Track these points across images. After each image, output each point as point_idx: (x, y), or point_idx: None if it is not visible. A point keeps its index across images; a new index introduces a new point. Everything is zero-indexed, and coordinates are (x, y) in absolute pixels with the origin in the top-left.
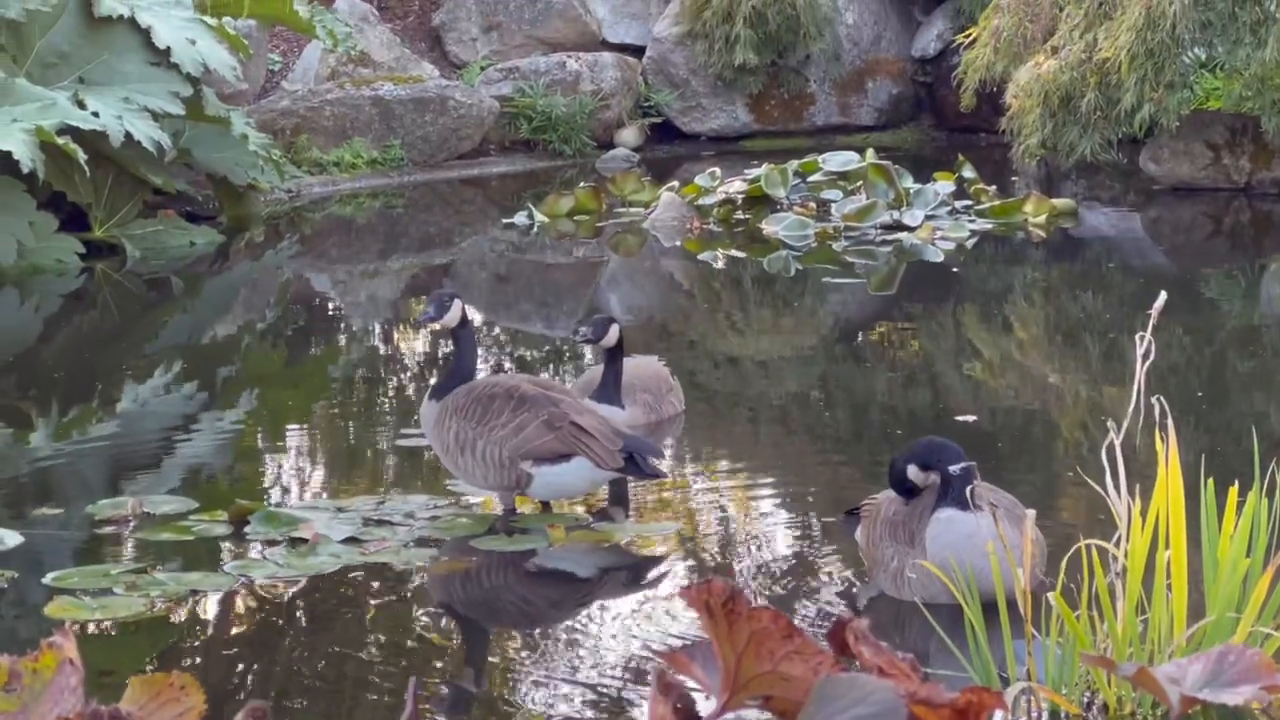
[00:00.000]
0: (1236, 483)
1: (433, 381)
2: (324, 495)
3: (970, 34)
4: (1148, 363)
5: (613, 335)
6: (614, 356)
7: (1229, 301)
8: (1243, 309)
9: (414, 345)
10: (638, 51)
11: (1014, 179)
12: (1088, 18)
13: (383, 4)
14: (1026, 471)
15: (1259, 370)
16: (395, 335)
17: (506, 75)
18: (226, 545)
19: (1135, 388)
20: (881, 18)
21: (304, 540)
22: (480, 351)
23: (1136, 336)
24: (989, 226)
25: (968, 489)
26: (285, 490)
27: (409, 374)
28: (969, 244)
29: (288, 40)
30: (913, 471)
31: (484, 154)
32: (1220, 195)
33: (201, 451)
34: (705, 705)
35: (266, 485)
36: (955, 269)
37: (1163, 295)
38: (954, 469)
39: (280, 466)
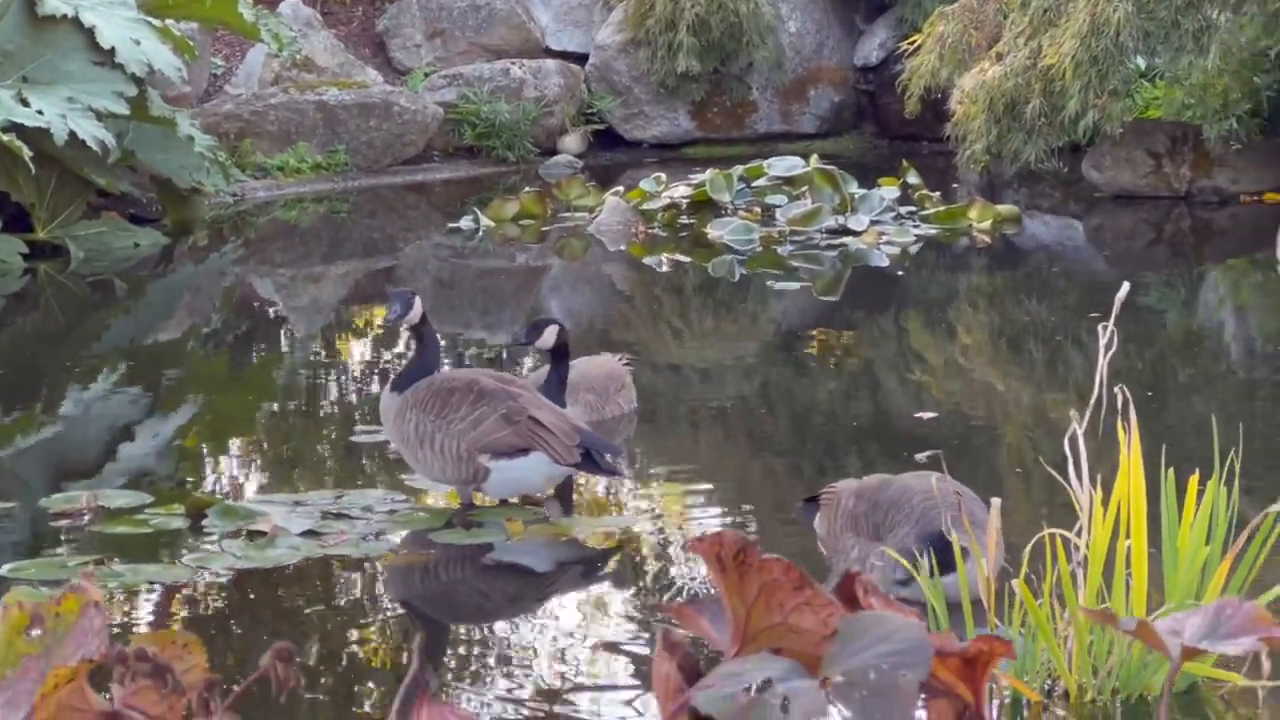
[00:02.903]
0: (1197, 471)
1: (379, 383)
2: (280, 490)
3: (915, 41)
4: (1109, 353)
5: (549, 338)
6: (558, 358)
7: (1169, 308)
8: (1183, 315)
9: (359, 347)
10: (581, 59)
11: (956, 186)
12: (1032, 24)
13: (326, 9)
14: (975, 468)
15: (1201, 374)
16: (340, 338)
17: (450, 82)
18: (184, 538)
19: (1098, 374)
20: (824, 26)
21: (262, 533)
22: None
23: (1100, 327)
24: (934, 232)
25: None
26: (240, 485)
27: (355, 374)
28: (913, 249)
29: (230, 44)
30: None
31: (428, 160)
32: (1161, 203)
33: (151, 449)
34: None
35: (221, 481)
36: (900, 274)
37: (1125, 285)
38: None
39: (233, 462)
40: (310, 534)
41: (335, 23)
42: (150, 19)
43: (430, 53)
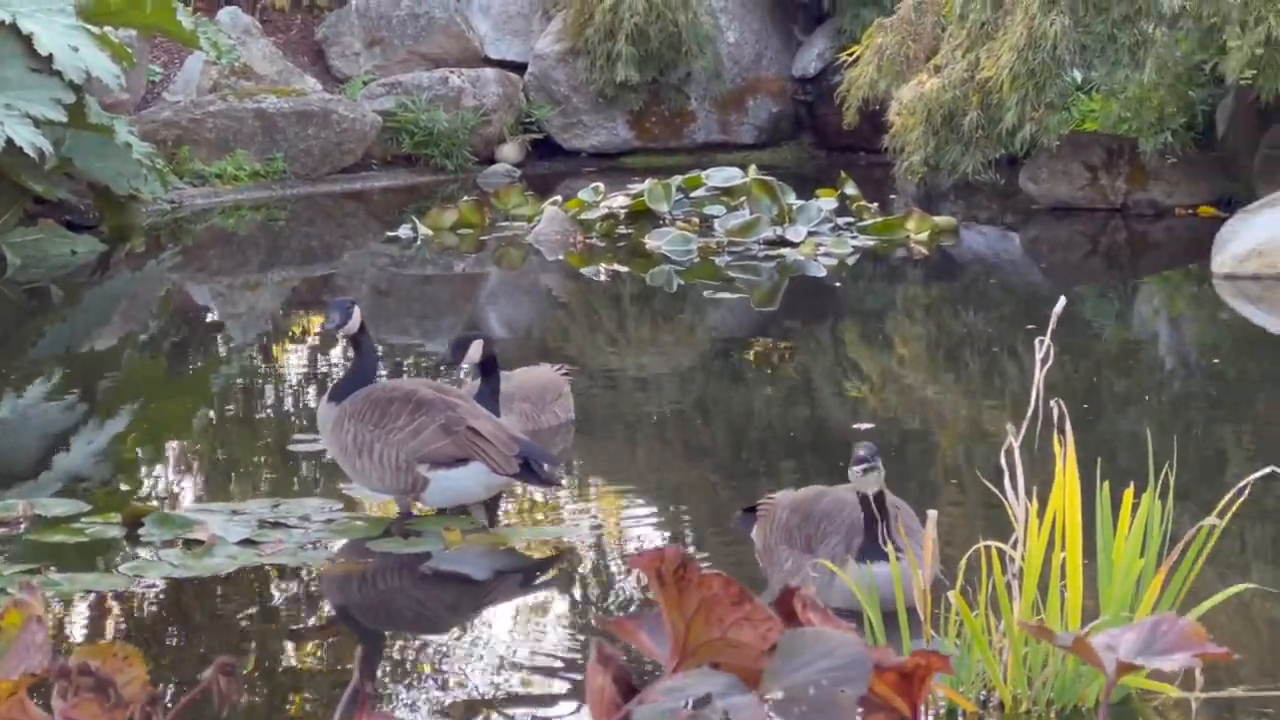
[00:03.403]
0: (1132, 485)
1: (316, 391)
2: (217, 498)
3: (853, 52)
4: (1046, 367)
5: (474, 353)
6: (487, 371)
7: (1105, 320)
8: (1118, 327)
9: (296, 355)
10: (520, 68)
11: (894, 197)
12: (970, 37)
13: (265, 17)
14: (911, 479)
15: (1136, 386)
16: (277, 346)
17: (389, 90)
18: (121, 547)
19: (1035, 388)
20: (763, 36)
21: (199, 542)
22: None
23: (1036, 341)
24: (871, 243)
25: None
26: (177, 494)
27: (292, 382)
28: (851, 260)
29: (169, 51)
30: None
31: (366, 168)
32: (1097, 215)
33: (88, 457)
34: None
35: (158, 489)
36: (837, 284)
37: (1062, 300)
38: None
39: (171, 471)
40: (247, 543)
41: (274, 30)
42: (88, 26)
43: (369, 61)
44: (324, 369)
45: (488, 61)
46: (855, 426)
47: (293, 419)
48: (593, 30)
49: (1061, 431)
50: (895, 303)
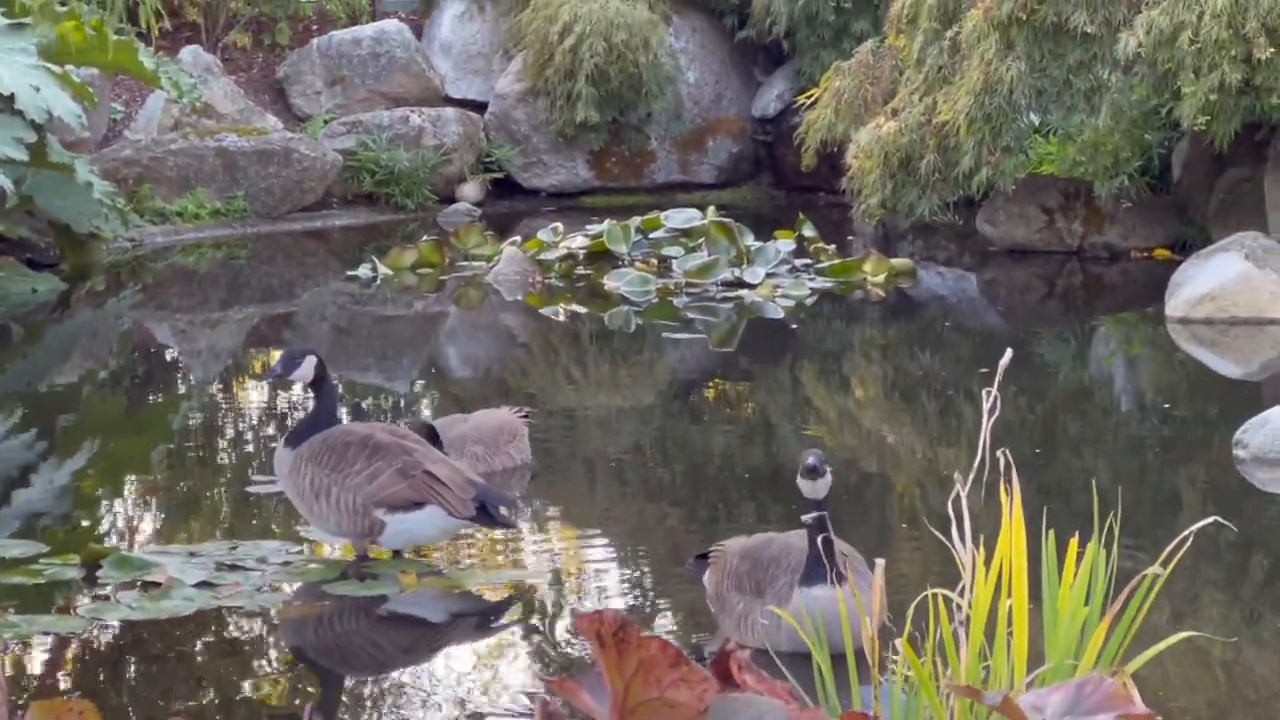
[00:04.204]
0: (1077, 533)
1: (276, 432)
2: (174, 538)
3: (812, 95)
4: (993, 418)
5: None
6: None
7: (1060, 362)
8: (1073, 369)
9: (256, 395)
10: (480, 107)
11: (851, 238)
12: (927, 81)
13: (226, 56)
14: (862, 524)
15: (1090, 428)
16: (236, 385)
17: (350, 129)
18: (79, 589)
19: (981, 441)
20: (723, 77)
21: (157, 584)
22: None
23: (983, 392)
24: (829, 285)
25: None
26: (135, 535)
27: (252, 423)
28: (809, 302)
29: (130, 89)
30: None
31: (327, 207)
32: (1054, 257)
33: (45, 497)
34: None
35: (116, 530)
36: (795, 326)
37: (1009, 352)
38: (806, 518)
39: (129, 511)
40: (205, 585)
41: (235, 69)
42: (50, 66)
43: (330, 100)
44: (283, 408)
45: (448, 101)
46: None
47: (250, 460)
48: (553, 70)
49: (1008, 480)
50: (852, 345)
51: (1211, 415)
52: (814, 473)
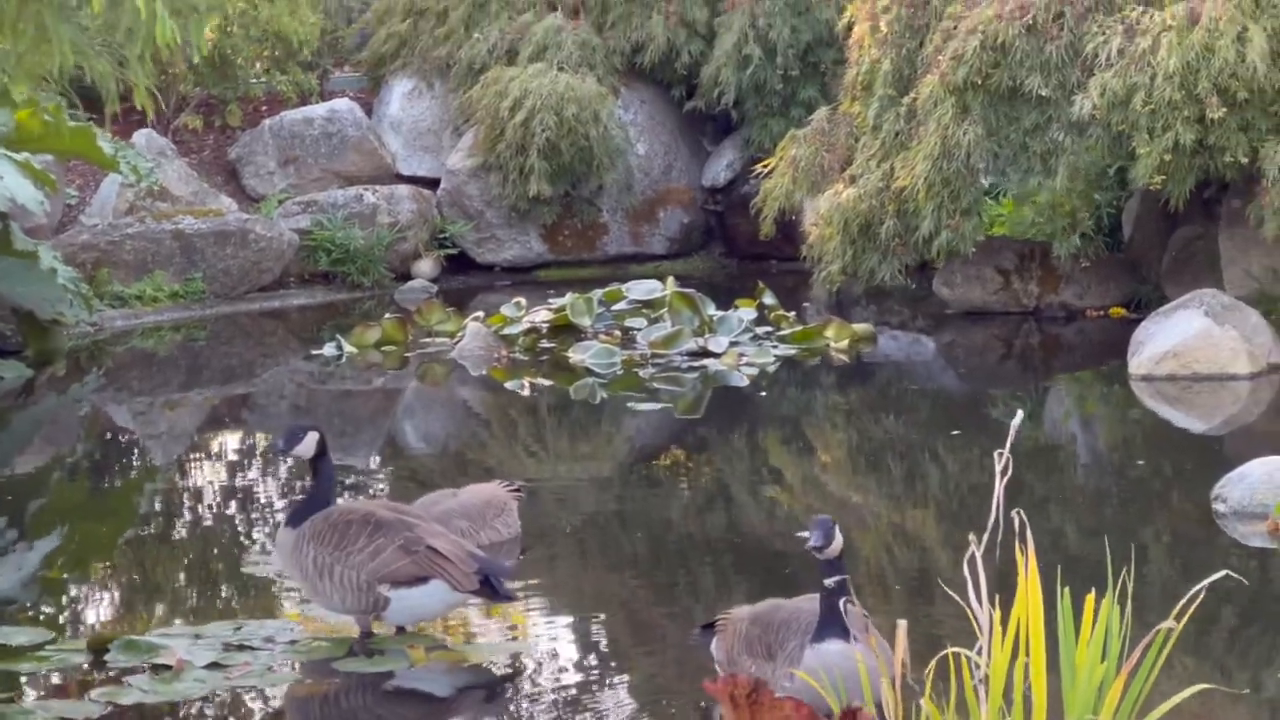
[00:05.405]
0: (1066, 589)
1: (251, 510)
2: (171, 623)
3: (769, 164)
4: (1005, 478)
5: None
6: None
7: (1029, 422)
8: (1042, 429)
9: (218, 474)
10: (432, 183)
11: (806, 305)
12: (884, 147)
13: (178, 138)
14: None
15: (1065, 486)
16: (197, 466)
17: (305, 208)
18: (90, 674)
19: (994, 502)
20: (672, 148)
21: (167, 667)
22: (270, 484)
23: (995, 454)
24: (792, 352)
25: (845, 613)
26: (134, 619)
27: (230, 503)
28: (772, 369)
29: (84, 174)
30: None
31: (284, 286)
32: (1011, 318)
33: (16, 581)
34: None
35: (111, 615)
36: (762, 394)
37: (1019, 414)
38: (829, 581)
39: (121, 597)
40: (215, 666)
41: (187, 151)
42: (10, 154)
43: (283, 179)
44: (242, 485)
45: (400, 178)
46: (798, 535)
47: (235, 540)
48: (505, 145)
49: (1023, 541)
50: (820, 411)
51: (1186, 470)
52: (826, 536)
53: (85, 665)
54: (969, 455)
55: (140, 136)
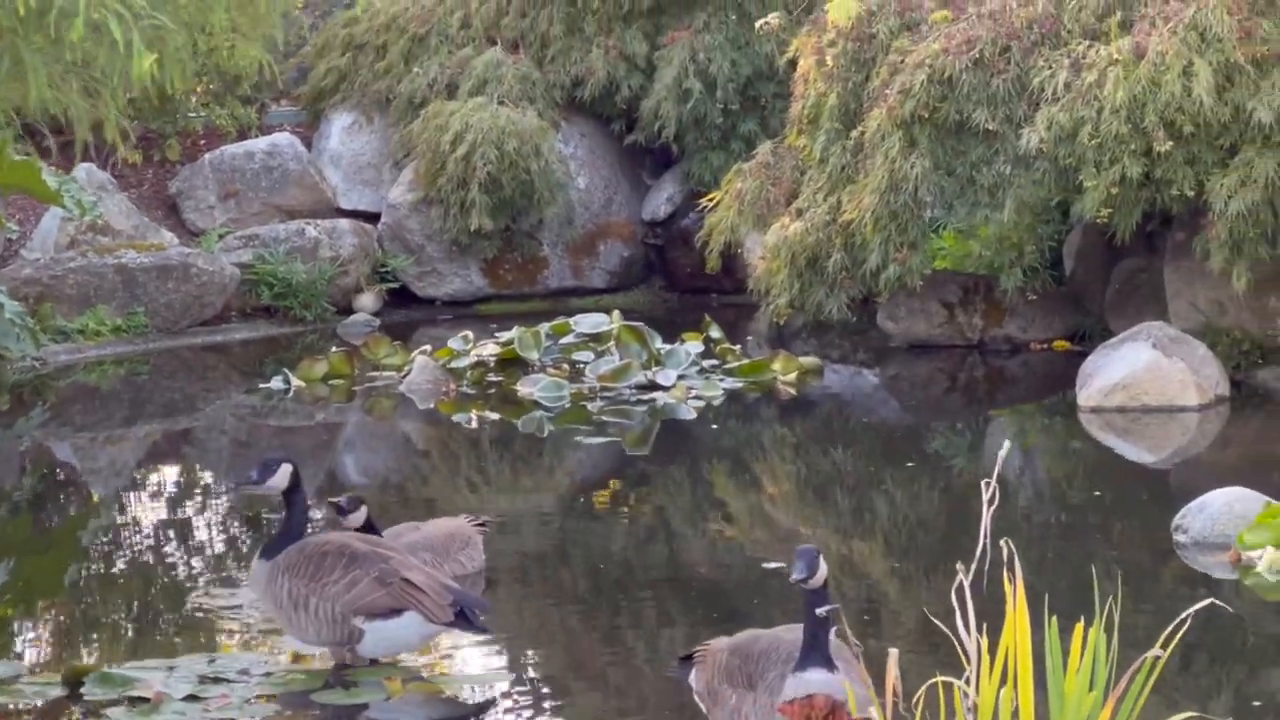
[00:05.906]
0: (1082, 619)
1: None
2: (141, 656)
3: (714, 198)
4: (993, 506)
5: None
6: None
7: (977, 455)
8: (992, 461)
9: (160, 508)
10: (372, 217)
11: (749, 338)
12: (831, 180)
13: (118, 172)
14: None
15: (1021, 518)
16: (140, 500)
17: (246, 243)
18: (67, 707)
19: (982, 531)
20: (612, 182)
21: (145, 699)
22: (215, 518)
23: (982, 483)
24: (739, 385)
25: (830, 641)
26: (97, 652)
27: (173, 536)
28: (717, 403)
29: (23, 208)
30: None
31: (226, 320)
32: (955, 351)
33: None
34: None
35: (79, 649)
36: (713, 426)
37: (1006, 444)
38: (821, 611)
39: (81, 631)
40: (192, 699)
41: (127, 185)
42: None
43: (224, 214)
44: (183, 518)
45: (340, 212)
46: (765, 565)
47: (196, 572)
48: (446, 179)
49: (1011, 571)
50: (765, 442)
51: (1141, 501)
52: (810, 567)
53: (61, 698)
54: (912, 489)
55: (81, 170)
